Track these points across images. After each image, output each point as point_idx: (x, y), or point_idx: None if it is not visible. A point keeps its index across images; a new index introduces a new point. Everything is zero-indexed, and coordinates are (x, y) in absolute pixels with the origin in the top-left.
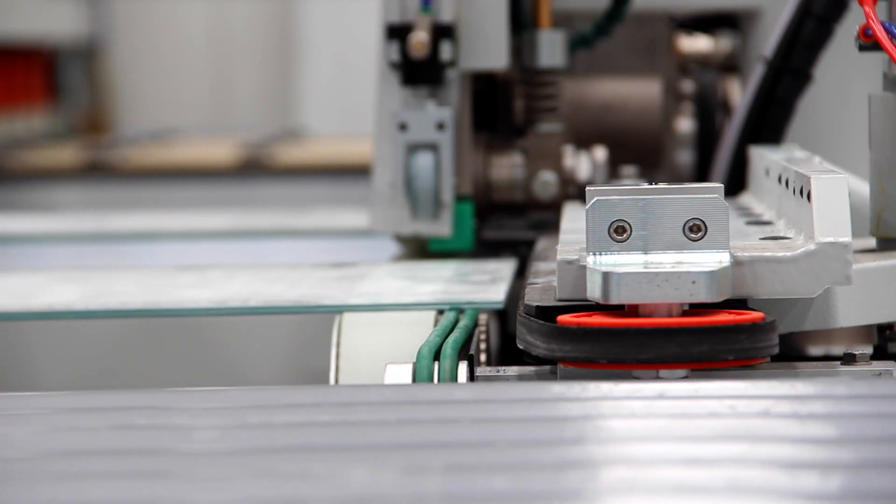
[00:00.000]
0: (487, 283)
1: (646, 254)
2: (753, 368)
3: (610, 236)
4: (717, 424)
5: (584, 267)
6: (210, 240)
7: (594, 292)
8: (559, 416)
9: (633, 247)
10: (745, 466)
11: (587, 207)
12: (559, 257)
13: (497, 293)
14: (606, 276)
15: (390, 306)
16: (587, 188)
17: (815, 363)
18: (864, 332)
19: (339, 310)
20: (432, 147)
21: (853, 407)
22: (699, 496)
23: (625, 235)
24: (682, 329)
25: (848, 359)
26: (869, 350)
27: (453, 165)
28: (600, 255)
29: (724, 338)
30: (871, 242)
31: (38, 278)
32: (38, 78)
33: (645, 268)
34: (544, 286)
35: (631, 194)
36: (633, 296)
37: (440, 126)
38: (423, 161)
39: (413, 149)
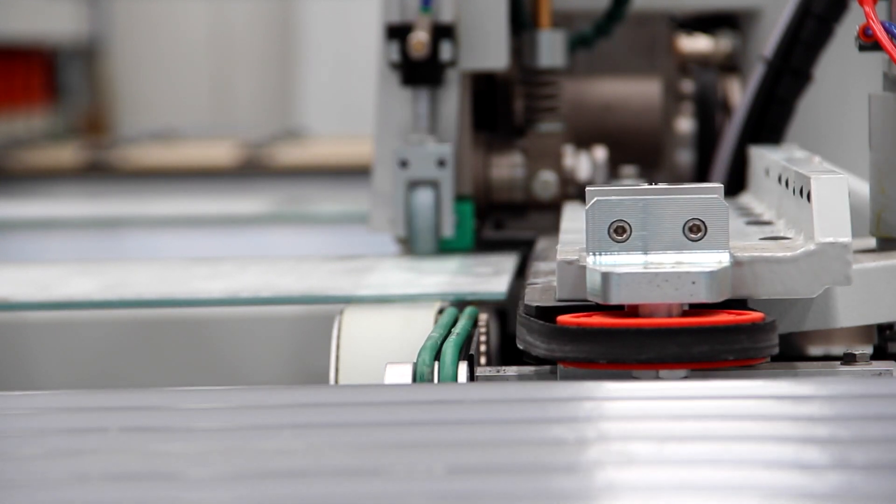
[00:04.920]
0: (490, 275)
1: (646, 254)
2: (753, 368)
3: (610, 236)
4: (717, 424)
5: (584, 267)
6: (212, 228)
7: (594, 292)
8: (559, 416)
9: (633, 247)
10: (745, 466)
11: (587, 207)
12: (559, 257)
13: (500, 285)
14: (606, 277)
15: (397, 297)
16: (587, 188)
17: (815, 363)
18: (864, 332)
19: (348, 300)
20: (433, 184)
21: (853, 407)
22: (699, 496)
23: (625, 235)
24: (682, 329)
25: (848, 359)
26: (869, 350)
27: (453, 201)
28: (600, 255)
29: (724, 338)
30: (872, 242)
31: (56, 270)
32: (38, 78)
33: (645, 268)
34: (544, 286)
35: (631, 194)
36: (632, 296)
37: (441, 163)
38: (424, 198)
39: (413, 185)
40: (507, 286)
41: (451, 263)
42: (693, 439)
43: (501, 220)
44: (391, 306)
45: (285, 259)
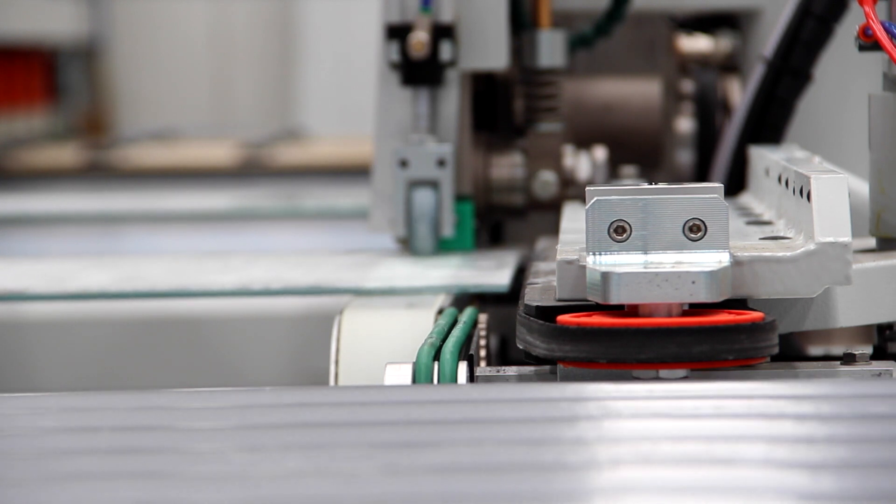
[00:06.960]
0: (493, 268)
1: (646, 254)
2: (753, 368)
3: (610, 236)
4: (716, 424)
5: (584, 267)
6: (211, 229)
7: (594, 292)
8: (559, 416)
9: (633, 247)
10: (745, 466)
11: (587, 207)
12: (559, 257)
13: (502, 277)
14: (606, 276)
15: (403, 289)
16: (587, 188)
17: (815, 363)
18: (864, 332)
19: (356, 292)
20: (433, 184)
21: (853, 407)
22: (699, 496)
23: (625, 235)
24: (682, 329)
25: (848, 359)
26: (869, 350)
27: (453, 201)
28: (600, 255)
29: (724, 338)
30: (872, 242)
31: (71, 264)
32: (38, 78)
33: (645, 268)
34: (544, 286)
35: (631, 194)
36: (632, 296)
37: (441, 163)
38: (424, 198)
39: (413, 185)
40: (509, 279)
41: (454, 259)
42: (692, 439)
43: (498, 228)
44: (391, 307)
45: (294, 253)
